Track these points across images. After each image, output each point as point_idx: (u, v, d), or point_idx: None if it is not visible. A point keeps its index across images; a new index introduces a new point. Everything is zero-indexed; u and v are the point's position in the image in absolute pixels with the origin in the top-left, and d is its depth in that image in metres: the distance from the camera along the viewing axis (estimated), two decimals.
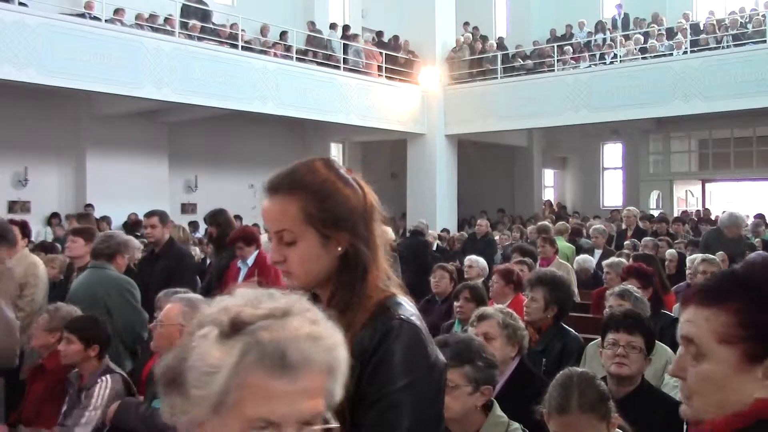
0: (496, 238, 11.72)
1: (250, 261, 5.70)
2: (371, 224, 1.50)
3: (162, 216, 5.71)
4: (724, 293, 1.15)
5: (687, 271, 5.98)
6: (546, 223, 11.00)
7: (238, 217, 14.61)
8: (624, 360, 2.82)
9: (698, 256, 6.02)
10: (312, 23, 16.38)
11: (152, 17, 13.08)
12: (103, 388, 3.43)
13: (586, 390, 2.20)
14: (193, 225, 13.45)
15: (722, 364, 1.13)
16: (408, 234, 10.43)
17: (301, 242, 1.40)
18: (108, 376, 3.50)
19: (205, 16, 13.85)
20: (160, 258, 5.58)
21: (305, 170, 1.43)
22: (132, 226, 12.10)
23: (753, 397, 1.10)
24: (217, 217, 6.37)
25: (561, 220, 15.36)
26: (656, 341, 3.18)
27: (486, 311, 3.27)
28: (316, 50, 15.28)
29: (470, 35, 17.62)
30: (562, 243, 9.04)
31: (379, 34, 17.54)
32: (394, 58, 16.63)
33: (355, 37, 16.51)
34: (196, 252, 8.81)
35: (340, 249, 1.42)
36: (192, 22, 13.79)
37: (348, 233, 1.42)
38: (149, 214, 5.76)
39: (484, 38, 18.12)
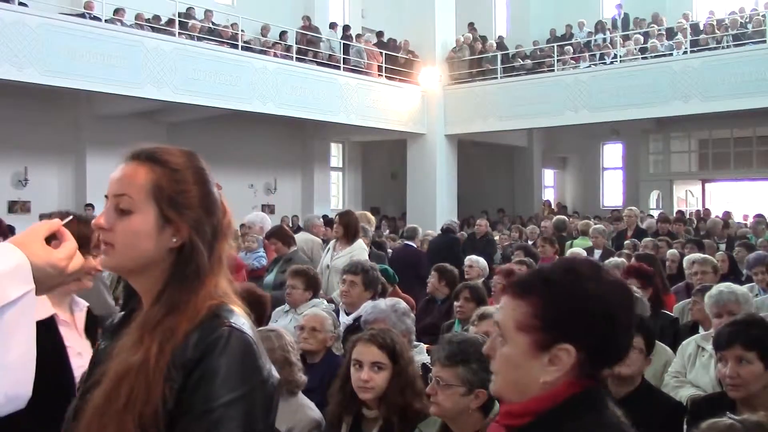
0: (496, 238, 11.71)
1: None
2: (220, 240, 1.36)
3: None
4: (528, 287, 1.29)
5: (686, 271, 5.99)
6: (562, 218, 11.01)
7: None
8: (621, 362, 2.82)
9: (693, 256, 6.02)
10: (307, 18, 16.25)
11: (156, 18, 13.07)
12: None
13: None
14: None
15: (518, 348, 1.27)
16: (440, 231, 10.61)
17: (137, 214, 1.29)
18: None
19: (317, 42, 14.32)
20: None
21: (175, 152, 1.35)
22: None
23: (540, 381, 1.25)
24: None
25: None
26: (656, 341, 3.19)
27: (487, 310, 3.28)
28: (316, 50, 15.24)
29: (470, 35, 17.62)
30: (586, 242, 9.15)
31: (380, 34, 17.54)
32: (394, 58, 16.64)
33: (358, 37, 16.51)
34: None
35: (175, 240, 1.30)
36: (191, 22, 13.80)
37: (190, 227, 1.31)
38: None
39: (484, 38, 18.13)
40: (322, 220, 8.59)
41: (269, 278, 6.15)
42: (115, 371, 1.23)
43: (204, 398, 1.19)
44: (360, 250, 6.09)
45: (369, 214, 8.79)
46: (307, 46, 15.32)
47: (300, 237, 7.65)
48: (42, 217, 7.35)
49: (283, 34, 15.20)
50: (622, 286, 1.31)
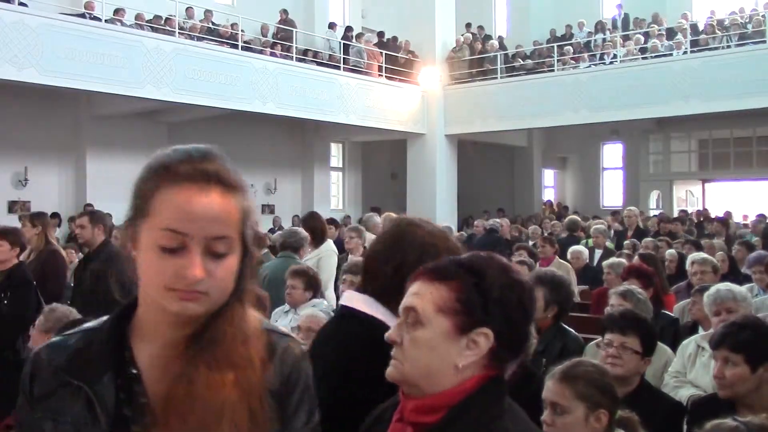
0: None
1: None
2: None
3: (93, 215, 5.29)
4: (449, 272, 1.33)
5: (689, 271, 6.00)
6: (574, 218, 11.00)
7: None
8: (616, 360, 2.83)
9: (693, 256, 6.03)
10: (284, 11, 15.85)
11: (157, 18, 13.07)
12: None
13: (576, 367, 2.24)
14: None
15: (437, 331, 1.29)
16: (485, 231, 10.75)
17: (232, 255, 1.14)
18: None
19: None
20: (90, 260, 5.15)
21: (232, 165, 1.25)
22: None
23: (455, 365, 1.28)
24: None
25: (562, 220, 15.37)
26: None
27: None
28: (289, 44, 14.98)
29: (470, 35, 17.62)
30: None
31: (380, 34, 17.54)
32: (394, 58, 16.64)
33: (358, 36, 16.50)
34: None
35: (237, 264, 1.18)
36: (191, 21, 13.81)
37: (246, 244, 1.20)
38: (81, 214, 5.48)
39: (488, 37, 18.12)
40: (380, 219, 8.28)
41: None
42: (202, 416, 1.10)
43: (305, 420, 1.22)
44: (328, 252, 6.09)
45: (393, 215, 8.61)
46: (282, 41, 15.02)
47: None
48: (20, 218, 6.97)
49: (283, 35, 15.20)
50: (527, 281, 1.38)
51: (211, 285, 1.11)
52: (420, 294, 1.33)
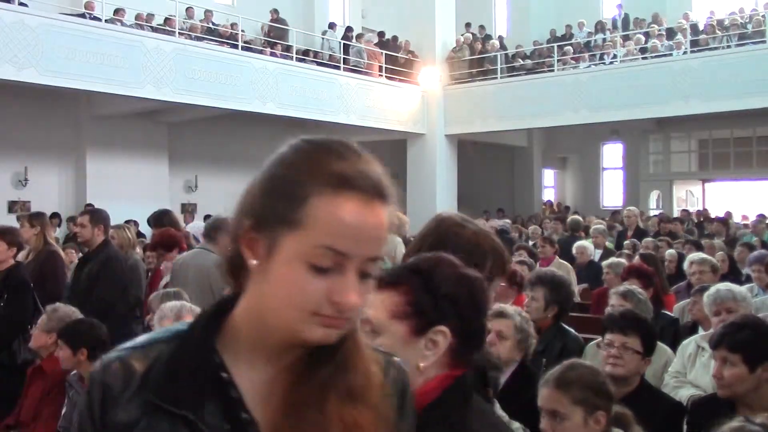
0: None
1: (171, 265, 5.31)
2: None
3: (94, 215, 5.18)
4: (396, 278, 1.33)
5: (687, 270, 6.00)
6: (577, 218, 11.01)
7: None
8: (617, 360, 2.83)
9: (693, 256, 6.03)
10: (275, 11, 15.63)
11: (150, 17, 13.06)
12: None
13: (569, 371, 2.24)
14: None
15: (394, 336, 1.30)
16: (495, 232, 10.85)
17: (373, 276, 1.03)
18: None
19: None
20: (88, 261, 5.10)
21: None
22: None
23: (418, 365, 1.28)
24: (162, 219, 5.96)
25: (563, 220, 15.37)
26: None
27: (506, 310, 3.27)
28: (283, 43, 14.84)
29: (470, 35, 17.62)
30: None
31: (381, 34, 17.54)
32: (394, 58, 16.64)
33: (359, 37, 16.50)
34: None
35: None
36: (191, 22, 13.81)
37: None
38: (82, 213, 5.41)
39: (488, 37, 18.12)
40: (397, 219, 8.30)
41: None
42: None
43: None
44: None
45: (401, 214, 8.66)
46: (274, 39, 14.83)
47: None
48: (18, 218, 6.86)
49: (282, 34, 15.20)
50: (476, 276, 1.38)
51: (359, 309, 0.97)
52: (372, 304, 1.30)
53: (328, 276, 0.92)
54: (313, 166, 0.95)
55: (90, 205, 13.02)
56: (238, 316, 0.99)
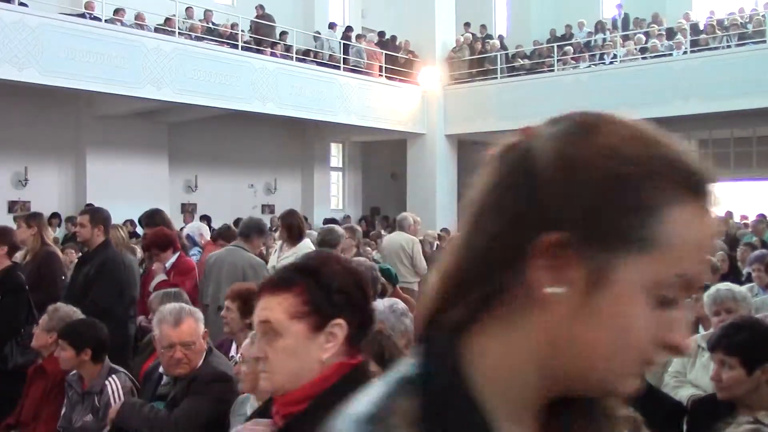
0: None
1: (168, 265, 5.23)
2: None
3: (94, 215, 5.11)
4: (288, 280, 1.41)
5: None
6: None
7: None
8: None
9: None
10: (261, 7, 15.36)
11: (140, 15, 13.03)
12: (116, 389, 3.43)
13: None
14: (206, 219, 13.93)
15: (295, 336, 1.37)
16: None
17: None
18: (114, 376, 3.48)
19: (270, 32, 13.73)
20: (86, 261, 5.05)
21: None
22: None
23: (319, 359, 1.37)
24: (153, 218, 5.90)
25: None
26: None
27: None
28: (271, 40, 14.66)
29: (470, 35, 17.62)
30: None
31: (381, 34, 17.54)
32: (394, 58, 16.64)
33: (359, 37, 16.49)
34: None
35: None
36: (192, 22, 13.81)
37: None
38: (82, 212, 5.34)
39: (489, 37, 18.12)
40: (412, 219, 8.33)
41: None
42: None
43: None
44: (306, 250, 5.80)
45: (410, 216, 8.71)
46: (260, 35, 14.54)
47: (397, 236, 7.88)
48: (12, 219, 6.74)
49: (283, 34, 15.19)
50: (360, 267, 1.51)
51: None
52: (269, 307, 1.40)
53: (662, 311, 0.67)
54: (665, 161, 0.68)
55: (90, 205, 13.04)
56: (504, 360, 0.69)
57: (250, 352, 1.44)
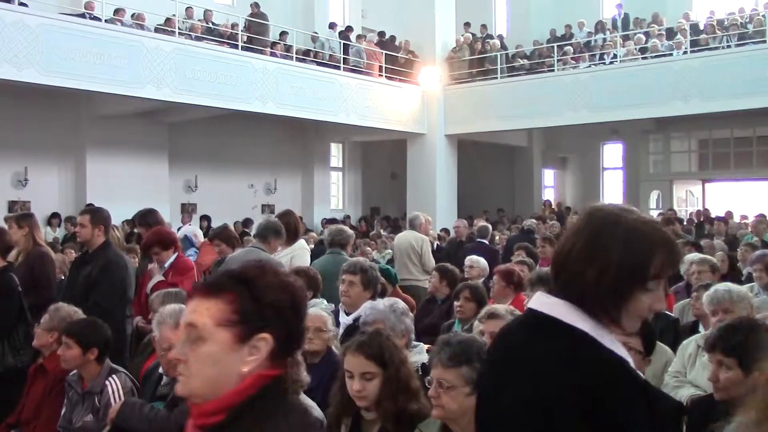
0: (496, 238, 11.71)
1: (167, 265, 5.19)
2: None
3: (95, 215, 5.04)
4: (221, 286, 1.38)
5: (682, 271, 6.00)
6: None
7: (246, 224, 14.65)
8: None
9: (691, 256, 6.03)
10: (256, 5, 15.14)
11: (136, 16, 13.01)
12: (116, 389, 3.43)
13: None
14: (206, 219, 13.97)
15: (220, 344, 1.34)
16: (520, 231, 11.05)
17: None
18: (114, 376, 3.49)
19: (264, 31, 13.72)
20: (87, 263, 4.98)
21: None
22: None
23: (239, 371, 1.34)
24: (147, 218, 5.85)
25: (563, 220, 15.37)
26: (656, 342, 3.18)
27: (497, 310, 3.27)
28: (263, 38, 14.43)
29: (470, 35, 17.62)
30: None
31: (381, 34, 17.54)
32: (394, 58, 16.64)
33: (359, 37, 16.49)
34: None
35: None
36: (192, 22, 13.80)
37: None
38: (82, 212, 5.28)
39: (490, 36, 18.12)
40: (424, 218, 8.56)
41: None
42: None
43: None
44: (301, 250, 5.92)
45: (422, 215, 8.89)
46: (255, 34, 14.27)
47: (408, 235, 8.03)
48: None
49: (283, 34, 15.19)
50: (298, 283, 1.45)
51: None
52: (198, 311, 1.37)
53: None
54: None
55: (90, 205, 13.03)
56: None
57: (171, 354, 1.41)
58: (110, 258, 4.91)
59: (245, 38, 13.84)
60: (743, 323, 2.74)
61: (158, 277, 5.13)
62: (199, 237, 7.66)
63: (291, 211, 6.32)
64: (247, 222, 14.24)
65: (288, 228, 5.82)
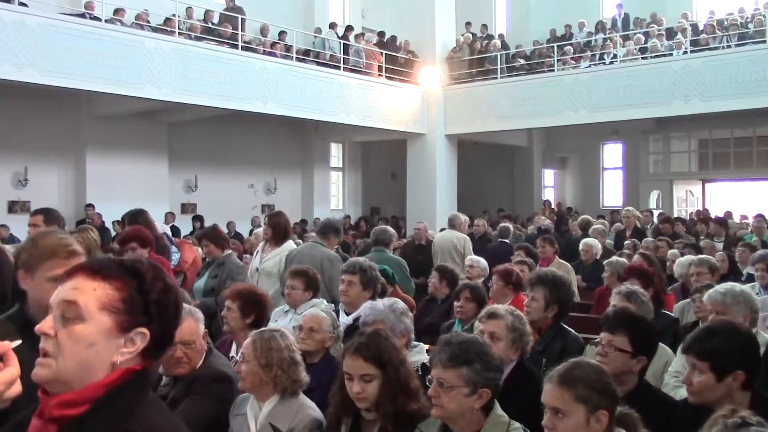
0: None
1: None
2: None
3: (48, 215, 4.75)
4: (113, 272, 1.37)
5: (676, 272, 6.05)
6: (588, 217, 11.09)
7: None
8: (603, 359, 2.83)
9: (689, 258, 6.04)
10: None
11: (149, 16, 12.99)
12: None
13: (574, 369, 2.23)
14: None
15: (99, 327, 1.33)
16: (538, 230, 11.16)
17: None
18: None
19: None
20: None
21: None
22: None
23: (111, 360, 1.33)
24: (136, 218, 5.77)
25: (562, 220, 15.38)
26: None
27: (497, 311, 3.27)
28: (235, 32, 13.82)
29: (470, 35, 17.62)
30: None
31: (381, 34, 17.54)
32: (394, 58, 16.64)
33: (358, 37, 16.49)
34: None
35: None
36: (191, 22, 13.78)
37: None
38: (34, 212, 4.94)
39: (490, 36, 18.12)
40: (463, 218, 8.98)
41: (199, 283, 5.68)
42: None
43: None
44: (289, 252, 5.79)
45: (461, 215, 9.18)
46: (227, 28, 13.84)
47: (449, 234, 8.27)
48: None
49: (282, 34, 15.19)
50: (178, 287, 1.47)
51: None
52: (81, 289, 1.34)
53: None
54: None
55: (90, 205, 13.05)
56: None
57: (39, 326, 1.34)
58: None
59: (217, 33, 13.69)
60: (721, 327, 2.70)
61: None
62: (168, 233, 7.34)
63: (281, 212, 6.29)
64: (304, 222, 15.28)
65: (278, 228, 5.83)
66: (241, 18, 13.91)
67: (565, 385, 2.18)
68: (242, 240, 11.79)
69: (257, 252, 6.08)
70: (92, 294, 1.34)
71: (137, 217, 5.81)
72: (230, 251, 5.95)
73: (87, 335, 1.32)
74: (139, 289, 1.37)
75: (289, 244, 5.92)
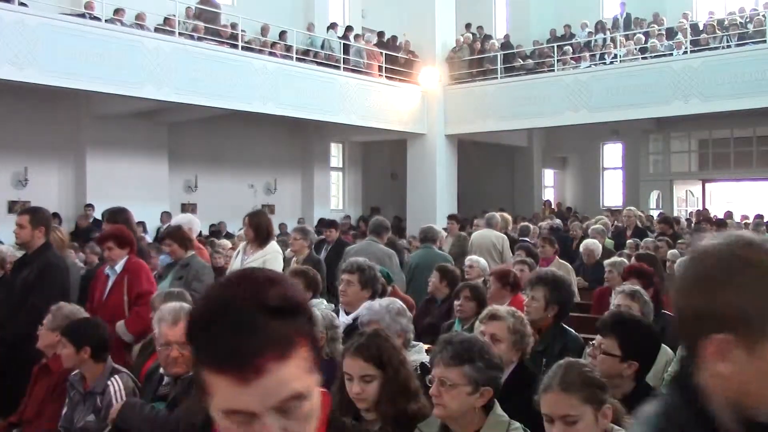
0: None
1: (119, 267, 4.81)
2: None
3: (35, 215, 4.78)
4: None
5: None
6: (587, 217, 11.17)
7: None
8: (593, 361, 2.85)
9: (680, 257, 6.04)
10: None
11: (148, 16, 12.97)
12: (118, 389, 3.44)
13: (569, 372, 2.24)
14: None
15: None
16: (550, 230, 11.29)
17: None
18: (116, 376, 3.50)
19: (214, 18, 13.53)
20: (25, 265, 4.74)
21: None
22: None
23: None
24: (116, 216, 5.52)
25: (563, 220, 15.37)
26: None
27: (499, 312, 3.27)
28: (213, 27, 13.77)
29: (470, 35, 17.63)
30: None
31: (381, 34, 17.55)
32: (394, 58, 16.64)
33: (358, 37, 16.49)
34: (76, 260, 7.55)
35: None
36: (194, 22, 13.77)
37: None
38: (21, 212, 4.99)
39: (488, 37, 18.12)
40: (500, 217, 9.26)
41: (163, 285, 5.19)
42: None
43: None
44: (273, 254, 5.59)
45: (506, 215, 9.41)
46: (205, 23, 13.60)
47: (488, 233, 8.47)
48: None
49: (282, 34, 15.18)
50: None
51: None
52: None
53: None
54: None
55: (90, 205, 13.04)
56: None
57: None
58: (49, 260, 4.69)
59: (191, 27, 13.56)
60: (628, 316, 3.04)
61: (112, 280, 4.84)
62: (195, 229, 7.05)
63: (262, 212, 6.10)
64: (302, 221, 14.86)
65: (260, 228, 5.57)
66: (241, 18, 13.90)
67: (569, 390, 2.18)
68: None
69: (238, 252, 5.84)
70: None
71: (116, 215, 5.55)
72: (193, 252, 5.54)
73: None
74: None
75: (273, 246, 5.68)
